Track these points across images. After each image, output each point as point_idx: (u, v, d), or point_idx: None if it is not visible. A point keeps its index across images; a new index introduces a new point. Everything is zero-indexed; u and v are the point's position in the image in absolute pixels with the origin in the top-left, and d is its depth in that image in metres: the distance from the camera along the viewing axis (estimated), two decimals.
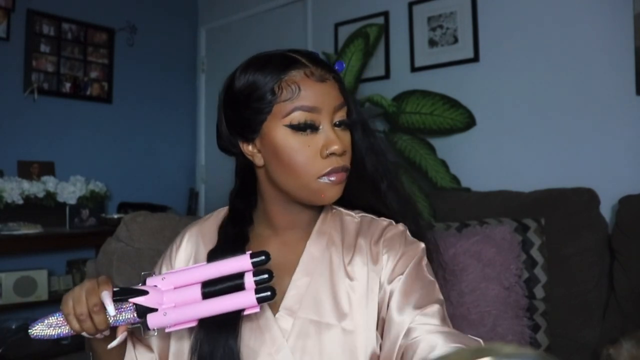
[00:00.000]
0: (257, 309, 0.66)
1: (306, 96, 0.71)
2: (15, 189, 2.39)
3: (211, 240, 0.82)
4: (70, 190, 2.57)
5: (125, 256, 1.42)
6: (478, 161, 2.09)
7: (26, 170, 2.60)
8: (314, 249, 0.80)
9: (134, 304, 0.66)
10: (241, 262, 0.66)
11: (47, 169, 2.67)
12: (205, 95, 3.41)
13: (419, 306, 0.73)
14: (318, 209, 0.83)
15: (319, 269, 0.78)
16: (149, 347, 0.81)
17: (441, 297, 0.77)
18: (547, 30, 1.95)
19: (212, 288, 0.66)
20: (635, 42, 1.75)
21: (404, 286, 0.75)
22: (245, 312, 0.66)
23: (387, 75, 2.38)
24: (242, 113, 0.75)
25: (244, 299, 0.65)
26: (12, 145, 2.58)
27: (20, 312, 2.43)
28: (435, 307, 0.72)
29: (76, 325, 0.67)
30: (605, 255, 1.64)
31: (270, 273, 0.66)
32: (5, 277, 2.30)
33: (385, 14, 2.39)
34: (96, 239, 2.46)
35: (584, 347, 1.52)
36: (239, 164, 0.86)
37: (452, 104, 2.05)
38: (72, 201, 2.58)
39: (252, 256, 0.66)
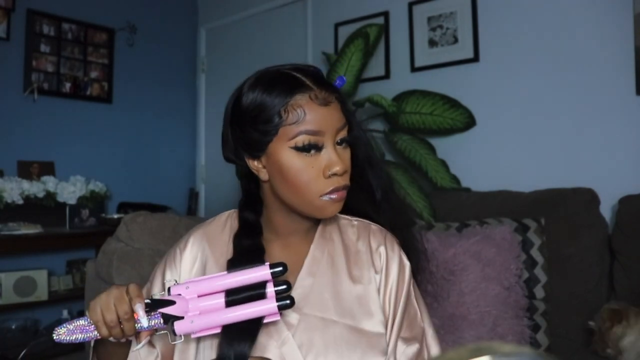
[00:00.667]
0: (278, 317, 0.71)
1: (311, 120, 0.75)
2: (15, 189, 2.39)
3: (218, 244, 0.86)
4: (70, 190, 2.57)
5: (125, 256, 1.42)
6: (478, 161, 2.09)
7: (26, 170, 2.60)
8: (317, 252, 0.85)
9: (162, 314, 0.70)
10: (261, 272, 0.71)
11: (47, 169, 2.67)
12: (205, 95, 3.41)
13: (404, 339, 0.83)
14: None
15: (322, 270, 0.84)
16: (152, 344, 0.82)
17: (422, 324, 0.86)
18: (547, 30, 1.95)
19: (235, 297, 0.71)
20: (635, 42, 1.75)
21: (398, 321, 0.83)
22: (266, 320, 0.71)
23: (387, 75, 2.38)
24: (249, 132, 0.78)
25: (266, 307, 0.70)
26: (12, 145, 2.58)
27: (20, 312, 2.43)
28: (414, 347, 0.82)
29: (105, 332, 0.69)
30: (605, 255, 1.64)
31: (289, 284, 0.71)
32: (5, 277, 2.30)
33: (385, 14, 2.39)
34: (96, 239, 2.47)
35: (584, 347, 1.52)
36: (243, 172, 0.90)
37: (452, 104, 2.05)
38: (72, 201, 2.58)
39: (271, 267, 0.71)
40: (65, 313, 2.48)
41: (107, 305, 0.69)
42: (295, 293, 0.80)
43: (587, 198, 1.65)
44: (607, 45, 1.82)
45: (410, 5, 2.31)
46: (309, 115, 0.74)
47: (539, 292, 1.56)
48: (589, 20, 1.86)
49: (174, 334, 0.70)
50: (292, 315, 0.79)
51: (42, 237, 2.39)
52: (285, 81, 0.77)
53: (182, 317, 0.70)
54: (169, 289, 0.72)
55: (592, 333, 1.44)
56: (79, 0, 2.86)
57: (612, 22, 1.81)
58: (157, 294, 0.73)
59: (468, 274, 1.45)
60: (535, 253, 1.57)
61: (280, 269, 0.70)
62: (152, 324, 0.70)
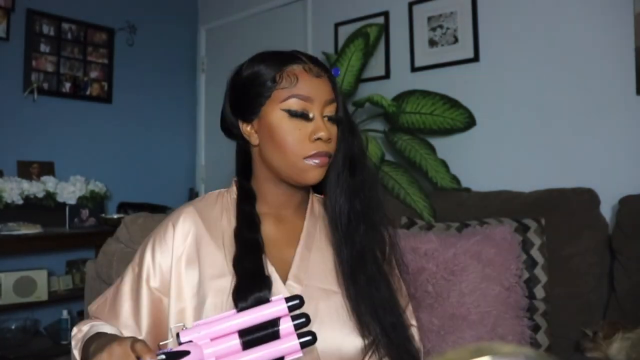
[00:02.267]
0: (300, 354, 0.66)
1: (302, 87, 0.81)
2: (15, 189, 2.39)
3: (211, 219, 0.88)
4: (70, 190, 2.57)
5: (125, 258, 1.42)
6: (478, 161, 2.09)
7: (26, 170, 2.59)
8: (310, 227, 0.90)
9: None
10: (277, 308, 0.66)
11: (47, 169, 2.67)
12: (205, 95, 3.41)
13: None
14: (306, 192, 0.92)
15: (317, 244, 0.88)
16: None
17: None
18: (547, 30, 1.95)
19: (250, 337, 0.65)
20: (635, 42, 1.75)
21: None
22: (286, 359, 0.66)
23: (387, 75, 2.38)
24: (245, 96, 0.84)
25: (287, 345, 0.65)
26: (12, 145, 2.58)
27: (20, 312, 2.43)
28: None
29: None
30: (606, 255, 1.64)
31: (307, 317, 0.67)
32: (5, 277, 2.30)
33: (385, 14, 2.39)
34: (96, 239, 2.46)
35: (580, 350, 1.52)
36: (239, 147, 0.94)
37: (452, 104, 2.05)
38: (72, 201, 2.58)
39: (287, 300, 0.66)
40: (65, 313, 2.48)
41: None
42: (295, 265, 0.84)
43: (587, 198, 1.65)
44: (607, 45, 1.82)
45: (410, 5, 2.31)
46: (301, 82, 0.81)
47: (539, 292, 1.56)
48: (589, 20, 1.86)
49: None
50: (295, 288, 0.82)
51: (42, 237, 2.38)
52: (282, 54, 0.85)
53: None
54: (177, 334, 0.65)
55: (585, 337, 1.45)
56: (79, 0, 2.86)
57: (612, 22, 1.81)
58: (167, 342, 0.67)
59: (468, 274, 1.45)
60: (535, 253, 1.57)
61: (297, 302, 0.67)
62: None
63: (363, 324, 0.81)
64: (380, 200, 0.90)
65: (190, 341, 0.65)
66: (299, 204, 0.91)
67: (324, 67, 0.85)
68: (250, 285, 0.76)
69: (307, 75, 0.81)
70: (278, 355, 0.65)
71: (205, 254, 0.84)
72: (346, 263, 0.84)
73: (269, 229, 0.86)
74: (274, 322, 0.66)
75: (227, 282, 0.81)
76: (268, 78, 0.81)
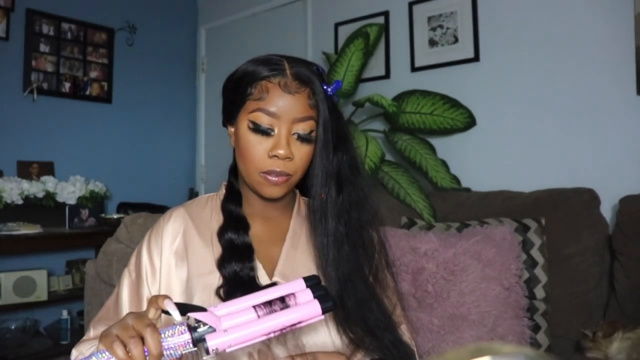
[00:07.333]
0: (322, 317, 0.66)
1: (271, 102, 0.80)
2: (14, 189, 2.39)
3: (201, 220, 0.90)
4: (69, 190, 2.57)
5: (125, 258, 1.42)
6: (478, 161, 2.09)
7: (26, 170, 2.59)
8: (297, 227, 0.91)
9: (189, 325, 0.60)
10: (295, 285, 0.67)
11: (47, 169, 2.67)
12: (205, 95, 3.41)
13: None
14: (292, 194, 0.93)
15: (302, 244, 0.89)
16: None
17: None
18: (547, 30, 1.95)
19: (269, 309, 0.64)
20: (635, 42, 1.75)
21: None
22: (305, 323, 0.65)
23: (387, 75, 2.38)
24: (228, 100, 0.87)
25: (310, 310, 0.65)
26: (11, 145, 2.58)
27: (20, 312, 2.43)
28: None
29: (122, 354, 0.57)
30: (606, 255, 1.64)
31: (326, 289, 0.68)
32: (5, 277, 2.30)
33: (385, 14, 2.39)
34: (96, 239, 2.46)
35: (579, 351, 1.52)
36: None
37: (452, 104, 2.05)
38: (72, 201, 2.58)
39: (305, 280, 0.68)
40: (64, 313, 2.48)
41: (124, 325, 0.60)
42: (281, 263, 0.85)
43: (587, 198, 1.65)
44: (607, 45, 1.82)
45: (411, 4, 2.31)
46: (271, 97, 0.80)
47: (539, 292, 1.56)
48: (589, 20, 1.86)
49: (207, 351, 0.60)
50: (281, 283, 0.82)
51: (42, 237, 2.38)
52: (268, 63, 0.82)
53: (214, 330, 0.60)
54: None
55: (585, 337, 1.45)
56: (78, 0, 2.86)
57: (612, 22, 1.81)
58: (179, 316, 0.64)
59: (468, 274, 1.45)
60: (535, 253, 1.57)
61: (316, 281, 0.69)
62: (180, 340, 0.59)
63: (346, 321, 0.81)
64: (372, 212, 0.87)
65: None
66: (285, 205, 0.92)
67: (307, 82, 0.81)
68: (239, 290, 0.77)
69: (279, 90, 0.80)
70: (300, 319, 0.64)
71: (194, 252, 0.86)
72: (332, 279, 0.83)
73: (255, 228, 0.88)
74: (293, 294, 0.66)
75: (214, 279, 0.82)
76: (246, 87, 0.82)
